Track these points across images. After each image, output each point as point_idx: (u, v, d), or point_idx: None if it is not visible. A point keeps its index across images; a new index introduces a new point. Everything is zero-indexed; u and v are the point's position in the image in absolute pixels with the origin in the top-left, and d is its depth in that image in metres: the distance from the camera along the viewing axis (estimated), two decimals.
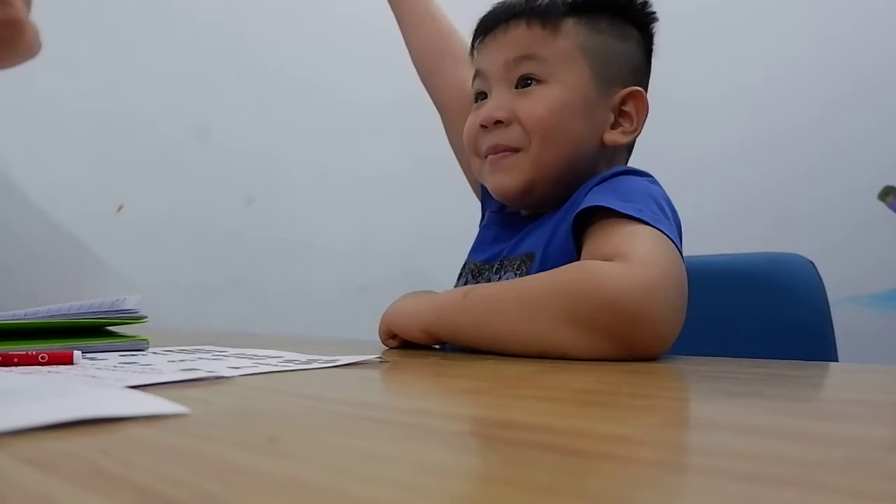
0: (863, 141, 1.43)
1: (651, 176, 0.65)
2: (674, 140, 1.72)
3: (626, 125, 0.67)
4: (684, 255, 0.57)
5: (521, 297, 0.52)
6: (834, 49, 1.48)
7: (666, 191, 0.65)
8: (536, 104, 0.65)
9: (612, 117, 0.67)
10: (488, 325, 0.53)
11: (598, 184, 0.62)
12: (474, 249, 0.76)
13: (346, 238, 1.31)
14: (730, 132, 1.61)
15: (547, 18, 0.66)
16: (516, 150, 0.66)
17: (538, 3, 0.66)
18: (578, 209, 0.57)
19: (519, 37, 0.67)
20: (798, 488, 0.19)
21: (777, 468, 0.20)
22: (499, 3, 0.70)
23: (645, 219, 0.54)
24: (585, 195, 0.61)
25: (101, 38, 1.23)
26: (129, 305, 0.60)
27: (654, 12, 0.71)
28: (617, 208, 0.55)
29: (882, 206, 1.40)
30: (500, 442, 0.25)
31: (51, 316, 0.59)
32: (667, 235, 0.53)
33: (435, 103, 0.86)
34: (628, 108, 0.67)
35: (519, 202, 0.71)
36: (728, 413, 0.31)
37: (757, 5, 1.59)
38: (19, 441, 0.24)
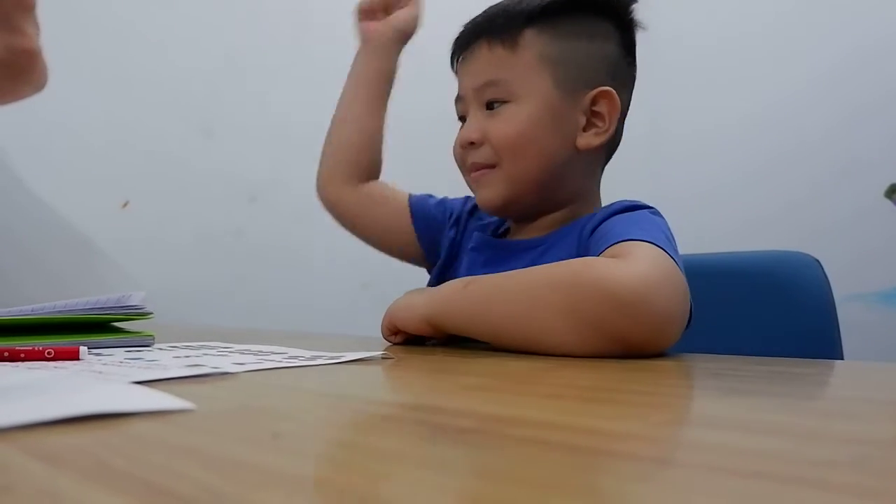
0: (869, 139, 1.42)
1: (654, 208, 0.65)
2: (684, 140, 1.72)
3: (600, 125, 0.67)
4: (688, 253, 0.57)
5: (521, 289, 0.52)
6: (844, 49, 1.47)
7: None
8: (504, 124, 0.67)
9: (583, 120, 0.67)
10: (488, 315, 0.53)
11: (606, 217, 0.62)
12: (466, 270, 0.74)
13: (349, 236, 1.31)
14: (741, 134, 1.60)
15: (506, 35, 0.66)
16: (493, 167, 0.68)
17: (497, 20, 0.67)
18: (599, 248, 0.56)
19: (482, 60, 0.68)
20: (803, 486, 0.19)
21: (782, 466, 0.20)
22: (467, 23, 0.71)
23: (654, 241, 0.54)
24: (594, 228, 0.62)
25: (105, 37, 1.23)
26: (134, 301, 0.60)
27: (629, 4, 0.69)
28: (628, 236, 0.55)
29: (888, 203, 1.39)
30: (505, 438, 0.25)
31: (57, 312, 0.59)
32: (672, 258, 0.53)
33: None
34: (600, 108, 0.67)
35: (503, 214, 0.73)
36: (733, 411, 0.31)
37: (770, 18, 1.58)
38: (25, 435, 0.24)
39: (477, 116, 0.69)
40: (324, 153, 0.83)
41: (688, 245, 1.22)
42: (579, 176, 0.70)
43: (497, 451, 0.23)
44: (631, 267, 0.49)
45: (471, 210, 0.79)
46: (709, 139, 1.64)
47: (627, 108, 0.71)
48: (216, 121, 1.33)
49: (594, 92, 0.66)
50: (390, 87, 0.82)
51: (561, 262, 0.52)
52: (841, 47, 1.47)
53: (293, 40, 1.42)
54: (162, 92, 1.27)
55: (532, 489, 0.19)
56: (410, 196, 0.82)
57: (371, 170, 0.82)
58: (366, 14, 0.81)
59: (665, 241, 0.56)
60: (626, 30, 0.70)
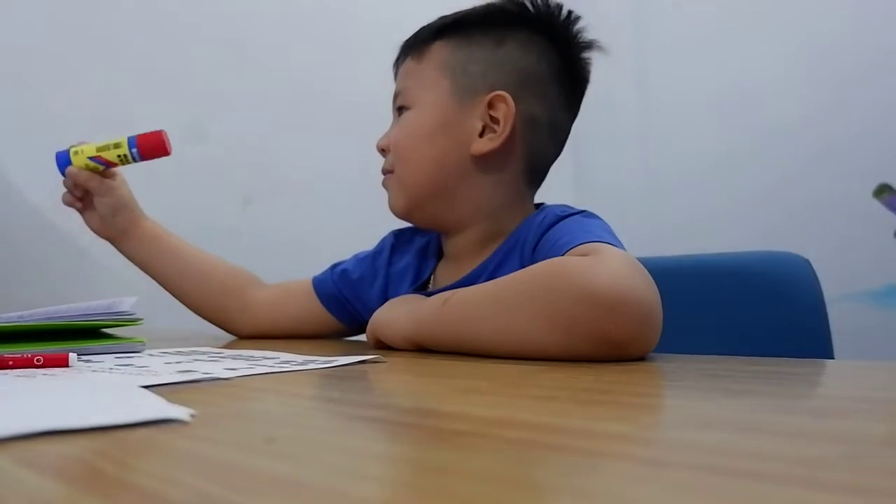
0: (859, 138, 1.43)
1: (586, 210, 0.64)
2: (671, 139, 1.73)
3: (496, 129, 0.65)
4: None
5: (498, 301, 0.51)
6: (830, 46, 1.48)
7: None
8: (397, 130, 0.69)
9: (479, 126, 0.66)
10: (468, 331, 0.52)
11: (545, 231, 0.61)
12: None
13: (345, 239, 1.30)
14: (726, 131, 1.61)
15: (416, 48, 0.69)
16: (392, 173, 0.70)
17: (413, 37, 0.71)
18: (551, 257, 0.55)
19: (399, 74, 0.72)
20: (796, 485, 0.19)
21: (775, 465, 0.21)
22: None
23: (605, 241, 0.54)
24: (535, 245, 0.61)
25: (98, 39, 1.22)
26: (124, 307, 0.60)
27: (566, 16, 0.68)
28: (580, 241, 0.54)
29: (877, 203, 1.40)
30: (499, 441, 0.25)
31: (46, 318, 0.59)
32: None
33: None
34: (496, 112, 0.65)
35: (410, 220, 0.73)
36: (726, 411, 0.31)
37: (757, 4, 1.59)
38: (17, 444, 0.24)
39: (392, 125, 0.72)
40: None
41: (679, 241, 1.21)
42: (486, 188, 0.67)
43: (491, 454, 0.23)
44: (603, 265, 0.47)
45: (388, 258, 0.77)
46: (699, 133, 1.65)
47: (558, 122, 0.69)
48: (211, 122, 1.32)
49: (490, 96, 0.65)
50: (166, 245, 0.80)
51: (535, 265, 0.51)
52: (833, 34, 1.47)
53: (288, 41, 1.42)
54: (156, 93, 1.26)
55: (526, 491, 0.19)
56: (314, 281, 0.80)
57: (240, 288, 0.81)
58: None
59: (617, 241, 0.56)
60: (563, 47, 0.68)
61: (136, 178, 1.25)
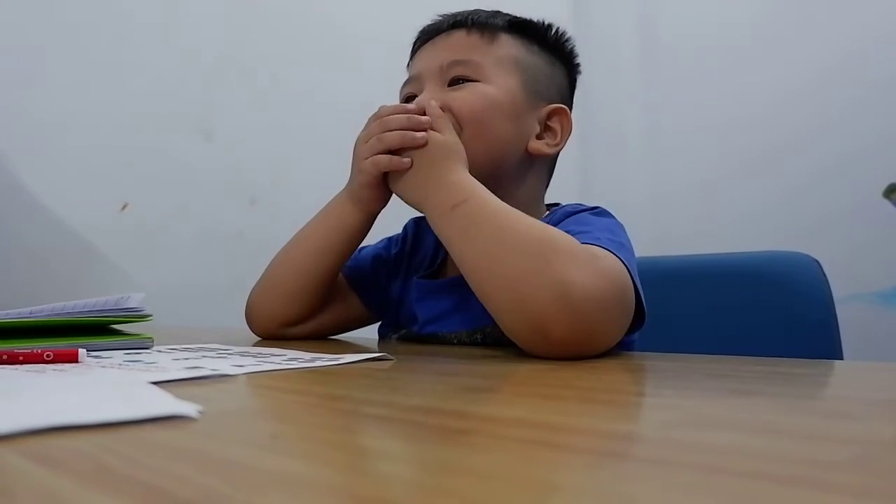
0: (868, 140, 1.42)
1: (599, 207, 0.66)
2: (682, 141, 1.72)
3: (551, 139, 0.69)
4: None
5: (498, 234, 0.53)
6: (841, 51, 1.47)
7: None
8: (471, 96, 0.66)
9: (538, 128, 0.69)
10: (463, 248, 0.55)
11: (557, 223, 0.62)
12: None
13: None
14: (739, 132, 1.60)
15: (486, 28, 0.69)
16: None
17: (479, 15, 0.70)
18: None
19: (457, 42, 0.69)
20: (803, 486, 0.19)
21: (782, 466, 0.20)
22: (443, 14, 0.72)
23: (602, 245, 0.54)
24: None
25: (105, 37, 1.23)
26: (133, 304, 0.60)
27: (578, 63, 0.74)
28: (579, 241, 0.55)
29: (887, 203, 1.39)
30: (504, 440, 0.25)
31: (56, 314, 0.59)
32: (621, 261, 0.53)
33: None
34: (553, 123, 0.69)
35: None
36: (733, 411, 0.31)
37: (767, 11, 1.58)
38: (26, 438, 0.24)
39: (436, 90, 0.67)
40: (268, 290, 0.74)
41: (687, 240, 1.20)
42: (530, 181, 0.69)
43: (496, 453, 0.23)
44: (595, 277, 0.49)
45: (410, 246, 0.76)
46: (706, 136, 1.64)
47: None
48: (216, 122, 1.33)
49: (552, 106, 0.69)
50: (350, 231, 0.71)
51: (550, 228, 0.53)
52: (838, 43, 1.47)
53: (293, 41, 1.42)
54: (162, 94, 1.27)
55: (531, 490, 0.19)
56: (345, 272, 0.75)
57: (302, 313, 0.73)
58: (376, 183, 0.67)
59: (614, 241, 0.56)
60: (573, 83, 0.74)
61: (139, 178, 1.26)
